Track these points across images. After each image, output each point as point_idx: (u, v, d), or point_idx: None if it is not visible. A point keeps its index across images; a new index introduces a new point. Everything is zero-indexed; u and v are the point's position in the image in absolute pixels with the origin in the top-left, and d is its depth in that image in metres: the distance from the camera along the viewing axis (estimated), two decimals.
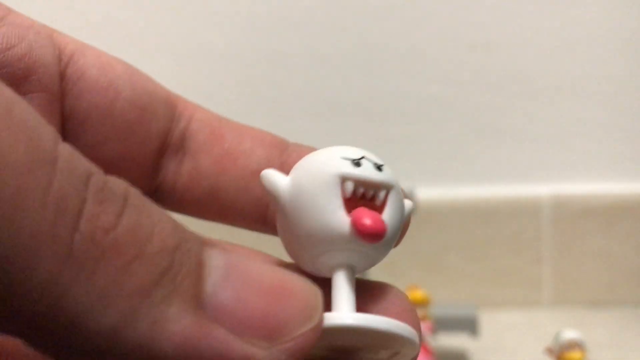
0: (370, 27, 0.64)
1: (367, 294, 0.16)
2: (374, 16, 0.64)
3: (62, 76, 0.17)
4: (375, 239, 0.14)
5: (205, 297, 0.11)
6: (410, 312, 0.16)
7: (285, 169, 0.17)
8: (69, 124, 0.17)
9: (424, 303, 0.50)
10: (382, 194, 0.15)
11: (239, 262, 0.12)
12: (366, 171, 0.15)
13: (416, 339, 0.14)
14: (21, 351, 0.15)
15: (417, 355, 0.15)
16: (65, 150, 0.11)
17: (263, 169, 0.18)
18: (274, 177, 0.15)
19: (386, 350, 0.14)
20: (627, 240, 0.64)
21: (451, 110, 0.64)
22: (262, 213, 0.19)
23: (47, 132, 0.11)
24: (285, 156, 0.19)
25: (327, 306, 0.14)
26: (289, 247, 0.16)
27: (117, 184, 0.11)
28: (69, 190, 0.10)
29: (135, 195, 0.11)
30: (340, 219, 0.14)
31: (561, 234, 0.64)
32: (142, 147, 0.18)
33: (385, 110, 0.64)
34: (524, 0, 0.63)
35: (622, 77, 0.64)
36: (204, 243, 0.12)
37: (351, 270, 0.15)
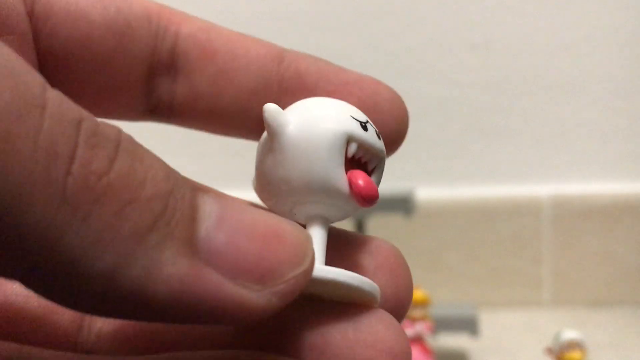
0: (370, 27, 0.64)
1: (351, 248, 0.16)
2: (374, 16, 0.64)
3: (30, 15, 0.16)
4: (370, 203, 0.15)
5: (198, 242, 0.11)
6: (394, 265, 0.16)
7: (284, 84, 0.18)
8: (46, 63, 0.17)
9: (424, 303, 0.50)
10: (374, 162, 0.16)
11: (231, 208, 0.12)
12: (371, 137, 0.15)
13: (374, 291, 0.14)
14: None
15: (404, 310, 0.15)
16: (55, 95, 0.11)
17: (260, 87, 0.18)
18: (279, 116, 0.15)
19: (349, 297, 0.15)
20: (627, 240, 0.64)
21: (451, 110, 0.64)
22: (262, 129, 0.18)
23: (35, 78, 0.11)
24: (283, 69, 0.18)
25: None
26: (268, 186, 0.15)
27: (109, 128, 0.11)
28: (60, 135, 0.10)
29: (128, 140, 0.11)
30: (339, 176, 0.15)
31: (561, 234, 0.64)
32: (128, 73, 0.17)
33: None
34: (524, 0, 0.63)
35: (622, 77, 0.64)
36: (197, 189, 0.12)
37: (326, 222, 0.15)
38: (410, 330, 0.49)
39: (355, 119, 0.15)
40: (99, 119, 0.11)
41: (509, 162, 0.65)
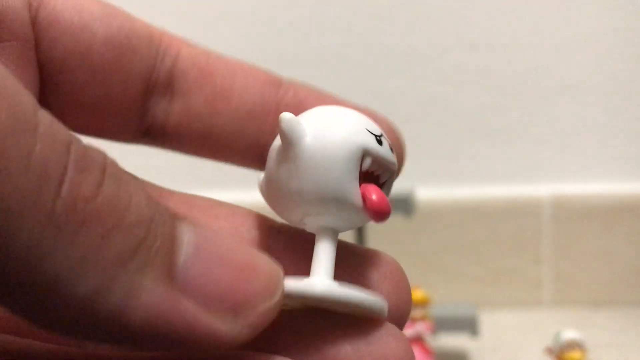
0: (370, 27, 0.64)
1: (356, 260, 0.16)
2: (374, 16, 0.64)
3: (33, 22, 0.16)
4: (383, 219, 0.15)
5: (176, 271, 0.11)
6: (397, 278, 0.17)
7: (281, 108, 0.18)
8: (45, 71, 0.17)
9: (424, 303, 0.50)
10: (386, 175, 0.16)
11: (209, 237, 0.12)
12: (385, 152, 0.15)
13: (383, 310, 0.14)
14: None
15: (403, 320, 0.15)
16: (46, 117, 0.11)
17: (257, 109, 0.18)
18: (296, 126, 0.15)
19: (357, 313, 0.15)
20: (627, 240, 0.64)
21: (451, 110, 0.64)
22: (257, 153, 0.18)
23: (27, 99, 0.11)
24: (281, 94, 0.18)
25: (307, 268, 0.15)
26: (279, 194, 0.15)
27: (96, 152, 0.11)
28: (51, 156, 0.10)
29: (113, 165, 0.12)
30: (353, 190, 0.15)
31: (561, 234, 0.64)
32: (125, 89, 0.17)
33: (385, 110, 0.63)
34: (524, 0, 0.63)
35: (622, 77, 0.64)
36: (175, 216, 0.12)
37: (335, 233, 0.15)
38: (410, 330, 0.49)
39: (371, 133, 0.15)
40: (87, 143, 0.12)
41: (509, 162, 0.65)
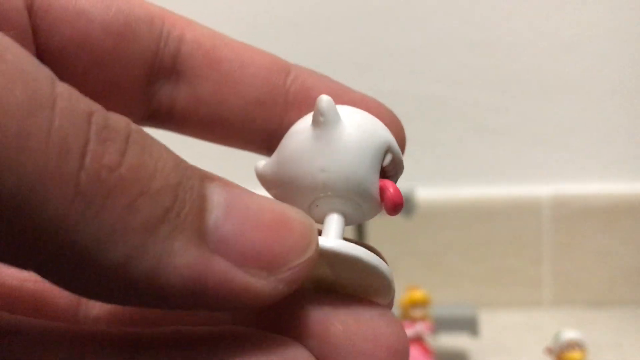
0: (370, 27, 0.64)
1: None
2: (374, 16, 0.64)
3: (29, 10, 0.16)
4: (397, 211, 0.15)
5: (207, 232, 0.12)
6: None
7: (290, 97, 0.18)
8: (44, 61, 0.16)
9: (424, 303, 0.50)
10: (395, 176, 0.16)
11: (239, 197, 0.12)
12: (401, 153, 0.16)
13: (390, 275, 0.15)
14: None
15: (391, 301, 0.15)
16: (64, 89, 0.11)
17: (266, 95, 0.18)
18: (334, 108, 0.15)
19: (362, 291, 0.15)
20: (627, 240, 0.64)
21: (451, 110, 0.64)
22: (266, 140, 0.18)
23: (44, 73, 0.11)
24: (290, 82, 0.18)
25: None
26: (297, 174, 0.16)
27: (119, 120, 0.11)
28: (71, 129, 0.10)
29: (137, 132, 0.11)
30: (374, 181, 0.15)
31: (561, 234, 0.64)
32: (126, 75, 0.17)
33: None
34: (524, 0, 0.63)
35: (622, 77, 0.64)
36: (205, 178, 0.12)
37: (344, 217, 0.16)
38: (410, 330, 0.49)
39: (391, 135, 0.16)
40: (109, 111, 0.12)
41: (509, 162, 0.65)
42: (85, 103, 0.11)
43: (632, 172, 0.65)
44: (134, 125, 0.12)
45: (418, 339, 0.49)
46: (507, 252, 0.64)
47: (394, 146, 0.16)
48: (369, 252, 0.14)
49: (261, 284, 0.12)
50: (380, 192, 0.15)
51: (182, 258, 0.11)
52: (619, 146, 0.65)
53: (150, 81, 0.18)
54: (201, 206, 0.12)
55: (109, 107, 0.17)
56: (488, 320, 0.57)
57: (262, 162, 0.17)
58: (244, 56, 0.18)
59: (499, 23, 0.64)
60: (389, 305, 0.15)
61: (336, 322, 0.14)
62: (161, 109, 0.18)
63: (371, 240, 0.56)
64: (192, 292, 0.11)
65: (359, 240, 0.17)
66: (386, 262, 0.16)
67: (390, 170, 0.16)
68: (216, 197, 0.12)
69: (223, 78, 0.18)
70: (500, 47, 0.64)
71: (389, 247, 0.62)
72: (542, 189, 0.64)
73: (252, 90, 0.18)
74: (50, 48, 0.16)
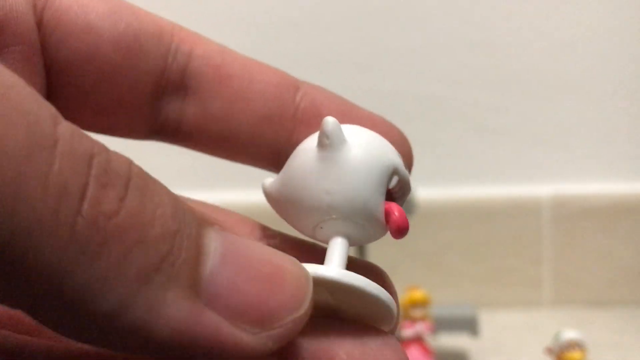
0: (370, 27, 0.64)
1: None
2: (374, 16, 0.64)
3: (38, 24, 0.16)
4: (401, 235, 0.15)
5: (201, 283, 0.11)
6: (389, 288, 0.16)
7: (299, 114, 0.18)
8: (52, 75, 0.16)
9: (424, 303, 0.50)
10: (401, 198, 0.16)
11: (236, 246, 0.12)
12: (408, 174, 0.16)
13: (393, 305, 0.14)
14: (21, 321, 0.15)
15: (394, 327, 0.15)
16: (66, 131, 0.11)
17: (275, 112, 0.18)
18: (340, 130, 0.15)
19: (364, 318, 0.15)
20: (627, 240, 0.64)
21: (451, 110, 0.64)
22: (273, 156, 0.18)
23: (46, 113, 0.11)
24: (298, 99, 0.18)
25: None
26: (302, 195, 0.15)
27: (120, 163, 0.11)
28: (70, 174, 0.10)
29: (138, 175, 0.11)
30: (379, 203, 0.15)
31: (561, 234, 0.64)
32: (134, 90, 0.17)
33: (385, 110, 0.63)
34: (524, 0, 0.63)
35: (622, 77, 0.64)
36: (203, 223, 0.12)
37: (348, 240, 0.16)
38: (410, 330, 0.49)
39: (398, 156, 0.16)
40: (111, 149, 0.11)
41: (509, 162, 0.65)
42: (87, 144, 0.11)
43: (632, 172, 0.65)
44: (135, 168, 0.11)
45: (418, 339, 0.49)
46: (507, 252, 0.64)
47: (401, 168, 0.16)
48: (370, 282, 0.14)
49: (251, 339, 0.12)
50: (385, 215, 0.15)
51: (173, 310, 0.11)
52: (619, 146, 0.65)
53: (158, 96, 0.18)
54: (197, 255, 0.11)
55: (116, 122, 0.16)
56: (488, 320, 0.57)
57: (269, 179, 0.17)
58: (253, 72, 0.18)
59: (499, 23, 0.64)
60: (392, 330, 0.15)
61: (341, 352, 0.14)
62: (168, 124, 0.18)
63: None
64: (181, 344, 0.11)
65: (361, 258, 0.17)
66: (390, 283, 0.15)
67: (397, 192, 0.16)
68: (213, 245, 0.12)
69: (232, 94, 0.18)
70: (500, 47, 0.64)
71: (389, 248, 0.62)
72: (542, 189, 0.64)
73: (261, 106, 0.18)
74: (58, 62, 0.16)
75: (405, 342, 0.49)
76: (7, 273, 0.10)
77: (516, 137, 0.65)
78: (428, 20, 0.63)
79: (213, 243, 0.12)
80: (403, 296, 0.51)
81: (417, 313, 0.49)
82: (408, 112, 0.64)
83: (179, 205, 0.12)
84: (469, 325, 0.53)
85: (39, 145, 0.10)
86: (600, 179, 0.65)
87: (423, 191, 0.60)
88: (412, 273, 0.64)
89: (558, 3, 0.63)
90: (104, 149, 0.11)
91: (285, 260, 0.13)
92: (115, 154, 0.11)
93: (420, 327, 0.49)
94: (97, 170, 0.11)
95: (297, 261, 0.13)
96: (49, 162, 0.10)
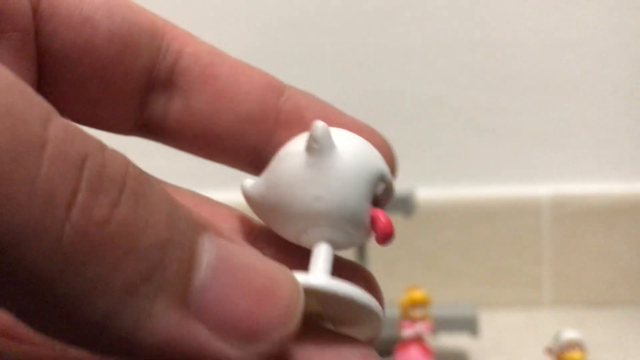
0: (370, 27, 0.64)
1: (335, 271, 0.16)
2: (374, 16, 0.64)
3: (34, 13, 0.16)
4: (386, 241, 0.15)
5: (191, 294, 0.11)
6: (375, 292, 0.16)
7: (282, 117, 0.18)
8: (45, 64, 0.16)
9: (424, 303, 0.50)
10: (389, 201, 0.16)
11: (229, 256, 0.12)
12: (393, 180, 0.16)
13: (381, 313, 0.14)
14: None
15: (378, 334, 0.15)
16: (58, 131, 0.10)
17: (258, 114, 0.18)
18: (329, 136, 0.15)
19: (350, 323, 0.15)
20: (627, 240, 0.64)
21: (451, 110, 0.64)
22: (254, 158, 0.18)
23: (36, 113, 0.10)
24: (282, 102, 0.18)
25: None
26: (287, 200, 0.15)
27: (116, 165, 0.11)
28: (59, 178, 0.10)
29: (135, 177, 0.11)
30: (365, 209, 0.15)
31: (561, 234, 0.64)
32: (126, 84, 0.17)
33: (385, 110, 0.64)
34: (524, 0, 0.63)
35: (622, 77, 0.64)
36: (198, 229, 0.12)
37: (333, 245, 0.16)
38: (410, 330, 0.49)
39: (384, 162, 0.16)
40: (108, 148, 0.11)
41: (509, 162, 0.65)
42: (80, 145, 0.10)
43: (632, 172, 0.65)
44: (132, 170, 0.11)
45: (418, 339, 0.49)
46: (507, 252, 0.64)
47: (387, 175, 0.16)
48: (360, 291, 0.14)
49: (237, 354, 0.11)
50: (372, 221, 0.15)
51: (160, 321, 0.11)
52: (619, 146, 0.65)
53: (146, 92, 0.18)
54: (189, 265, 0.11)
55: (103, 113, 0.16)
56: (488, 320, 0.57)
57: (249, 180, 0.17)
58: (241, 74, 0.18)
59: (499, 23, 0.64)
60: (378, 335, 0.15)
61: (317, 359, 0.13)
62: (153, 120, 0.18)
63: (371, 240, 0.56)
64: (167, 355, 0.11)
65: (347, 259, 0.17)
66: (377, 287, 0.15)
67: (382, 198, 0.16)
68: (206, 256, 0.11)
69: (217, 93, 0.18)
70: (500, 47, 0.64)
71: (389, 248, 0.62)
72: (542, 189, 0.64)
73: (244, 106, 0.18)
74: (52, 50, 0.16)
75: (405, 342, 0.49)
76: None
77: (516, 137, 0.65)
78: (428, 20, 0.63)
79: (206, 253, 0.11)
80: (403, 296, 0.51)
81: (417, 313, 0.49)
82: (408, 112, 0.64)
83: (175, 210, 0.11)
84: (469, 325, 0.53)
85: (26, 148, 0.10)
86: (600, 179, 0.65)
87: (423, 191, 0.60)
88: (412, 273, 0.63)
89: (558, 3, 0.63)
90: (99, 149, 0.11)
91: (277, 273, 0.12)
92: (112, 153, 0.11)
93: (420, 327, 0.49)
94: (89, 174, 0.10)
95: (289, 272, 0.13)
96: (36, 166, 0.10)
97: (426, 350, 0.49)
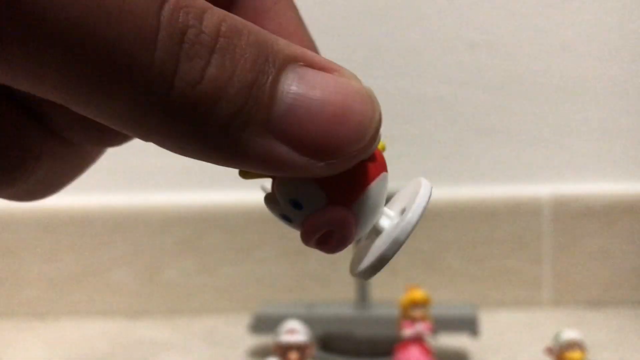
0: (370, 27, 0.64)
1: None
2: (374, 16, 0.64)
3: None
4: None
5: (272, 123, 0.13)
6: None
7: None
8: None
9: (424, 303, 0.50)
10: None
11: (308, 87, 0.14)
12: None
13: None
14: None
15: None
16: (166, 13, 0.12)
17: None
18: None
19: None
20: (627, 240, 0.64)
21: (451, 110, 0.64)
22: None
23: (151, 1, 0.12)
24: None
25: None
26: None
27: (210, 27, 0.13)
28: (166, 56, 0.12)
29: (225, 34, 0.13)
30: None
31: (561, 234, 0.64)
32: None
33: (385, 110, 0.63)
34: (524, 0, 0.63)
35: (622, 77, 0.64)
36: (283, 64, 0.14)
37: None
38: (410, 330, 0.49)
39: None
40: (209, 10, 0.13)
41: (509, 162, 0.65)
42: (183, 18, 0.13)
43: (632, 172, 0.65)
44: (224, 27, 0.13)
45: (418, 339, 0.49)
46: (507, 252, 0.64)
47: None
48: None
49: (315, 166, 0.14)
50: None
51: (249, 145, 0.13)
52: (619, 146, 0.65)
53: None
54: (270, 100, 0.13)
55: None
56: (488, 320, 0.57)
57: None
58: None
59: (499, 23, 0.64)
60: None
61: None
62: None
63: None
64: (256, 167, 0.14)
65: None
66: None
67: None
68: (286, 90, 0.14)
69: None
70: (500, 47, 0.64)
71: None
72: (542, 189, 0.64)
73: None
74: None
75: (405, 342, 0.49)
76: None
77: (516, 137, 0.65)
78: (428, 20, 0.63)
79: (286, 88, 0.14)
80: (403, 296, 0.51)
81: (417, 313, 0.49)
82: (408, 112, 0.64)
83: (262, 51, 0.13)
84: (469, 325, 0.53)
85: (143, 36, 0.12)
86: (600, 179, 0.65)
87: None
88: (412, 273, 0.64)
89: (558, 3, 0.63)
90: (198, 18, 0.13)
91: (353, 94, 0.14)
92: (210, 16, 0.13)
93: (420, 327, 0.49)
94: (187, 47, 0.13)
95: (366, 93, 0.15)
96: (151, 51, 0.12)
97: (426, 350, 0.49)
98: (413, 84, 0.64)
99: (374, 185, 0.16)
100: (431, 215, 0.63)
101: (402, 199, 0.17)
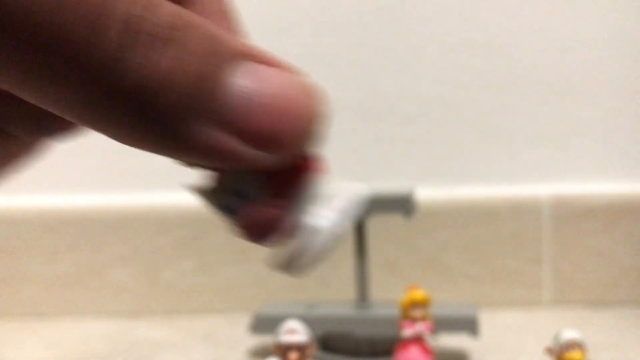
0: (370, 27, 0.64)
1: None
2: (374, 16, 0.64)
3: None
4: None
5: (223, 115, 0.14)
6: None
7: None
8: None
9: (424, 303, 0.50)
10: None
11: (259, 83, 0.14)
12: None
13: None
14: None
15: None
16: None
17: None
18: None
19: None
20: (627, 240, 0.64)
21: (451, 110, 0.64)
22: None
23: None
24: None
25: None
26: None
27: (166, 15, 0.13)
28: (114, 44, 0.13)
29: (181, 23, 0.14)
30: None
31: (561, 234, 0.64)
32: None
33: (385, 110, 0.64)
34: (524, 0, 0.63)
35: (622, 77, 0.64)
36: (235, 58, 0.14)
37: None
38: (410, 330, 0.49)
39: None
40: (161, 5, 0.13)
41: (509, 162, 0.65)
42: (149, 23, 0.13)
43: (632, 172, 0.65)
44: (178, 21, 0.13)
45: (418, 339, 0.49)
46: (507, 252, 0.64)
47: None
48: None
49: (261, 156, 0.14)
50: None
51: (201, 136, 0.14)
52: (619, 146, 0.65)
53: None
54: (218, 93, 0.14)
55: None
56: (488, 320, 0.57)
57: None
58: None
59: (499, 23, 0.64)
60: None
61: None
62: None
63: (371, 240, 0.56)
64: (206, 157, 0.14)
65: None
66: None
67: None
68: (234, 83, 0.14)
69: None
70: (500, 47, 0.64)
71: (389, 247, 0.62)
72: (542, 189, 0.64)
73: None
74: None
75: (405, 342, 0.49)
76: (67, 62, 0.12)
77: (516, 137, 0.65)
78: (428, 20, 0.63)
79: (235, 81, 0.14)
80: (403, 296, 0.51)
81: (417, 313, 0.49)
82: (408, 112, 0.64)
83: (213, 44, 0.14)
84: (469, 325, 0.53)
85: (102, 25, 0.12)
86: (600, 179, 0.65)
87: (423, 191, 0.60)
88: (412, 273, 0.64)
89: (558, 3, 0.63)
90: (154, 9, 0.13)
91: (302, 90, 0.15)
92: (166, 7, 0.13)
93: (420, 327, 0.49)
94: (142, 36, 0.13)
95: (311, 91, 0.15)
96: (108, 35, 0.13)
97: (426, 350, 0.49)
98: (413, 84, 0.64)
99: (311, 182, 0.16)
100: (431, 215, 0.63)
101: (336, 201, 0.17)
